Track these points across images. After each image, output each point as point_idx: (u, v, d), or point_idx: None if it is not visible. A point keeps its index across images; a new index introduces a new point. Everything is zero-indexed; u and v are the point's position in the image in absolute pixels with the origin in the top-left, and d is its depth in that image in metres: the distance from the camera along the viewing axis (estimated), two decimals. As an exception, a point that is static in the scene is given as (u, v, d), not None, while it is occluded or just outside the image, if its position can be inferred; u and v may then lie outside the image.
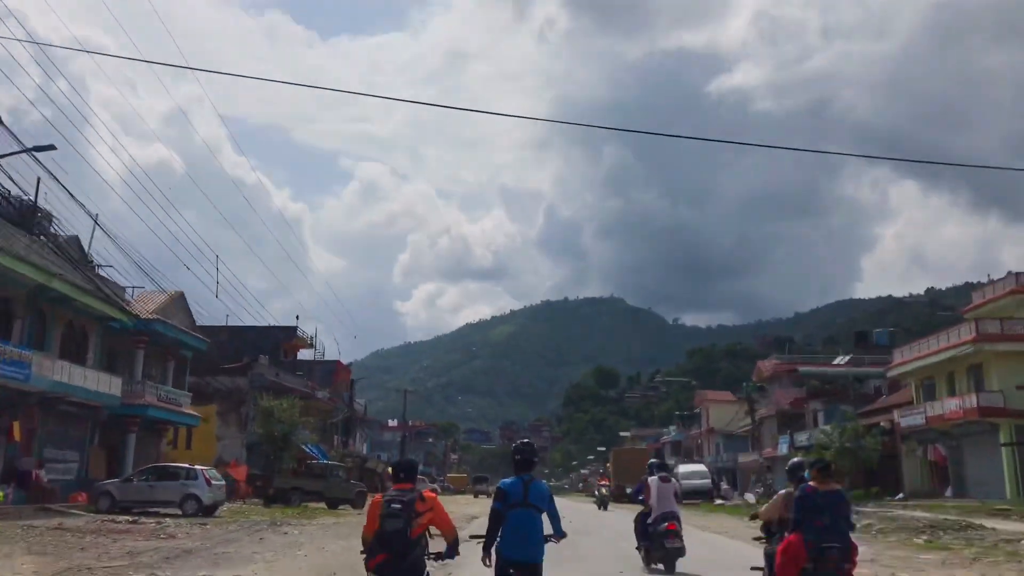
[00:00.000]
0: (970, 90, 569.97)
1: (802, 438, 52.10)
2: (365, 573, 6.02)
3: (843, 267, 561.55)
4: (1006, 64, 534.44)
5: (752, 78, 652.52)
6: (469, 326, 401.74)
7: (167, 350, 35.45)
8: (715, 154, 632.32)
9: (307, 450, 44.15)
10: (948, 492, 37.84)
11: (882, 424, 41.98)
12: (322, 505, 34.64)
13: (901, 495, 39.68)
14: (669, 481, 13.58)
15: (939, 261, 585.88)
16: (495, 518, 6.68)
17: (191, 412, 36.40)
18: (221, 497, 27.02)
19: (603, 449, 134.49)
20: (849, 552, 7.26)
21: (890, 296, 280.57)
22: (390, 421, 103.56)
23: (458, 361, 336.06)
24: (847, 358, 59.09)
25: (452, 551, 6.24)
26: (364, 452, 67.00)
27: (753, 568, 9.54)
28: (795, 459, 9.13)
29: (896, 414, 40.72)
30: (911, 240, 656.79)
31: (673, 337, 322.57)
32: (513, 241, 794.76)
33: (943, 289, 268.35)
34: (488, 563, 6.64)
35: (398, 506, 5.74)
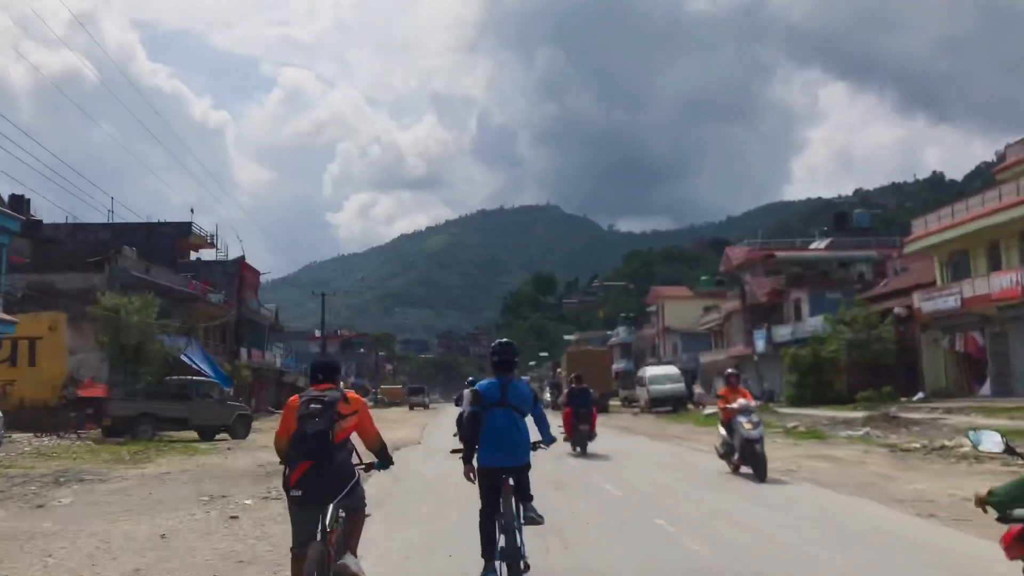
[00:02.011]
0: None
1: (784, 332, 44.25)
2: None
3: (773, 170, 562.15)
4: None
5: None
6: (404, 237, 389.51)
7: (-38, 231, 24.83)
8: (650, 57, 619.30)
9: (190, 363, 34.26)
10: (985, 390, 30.18)
11: (897, 311, 33.93)
12: (190, 435, 25.16)
13: (921, 394, 31.96)
14: None
15: (866, 163, 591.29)
16: (473, 422, 6.00)
17: (3, 317, 26.01)
18: (-8, 435, 17.26)
19: (545, 355, 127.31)
20: (590, 414, 17.56)
21: (820, 198, 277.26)
22: (317, 332, 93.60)
23: (394, 272, 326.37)
24: (826, 241, 51.00)
25: (385, 460, 5.49)
26: (279, 365, 57.16)
27: (559, 425, 16.41)
28: (574, 375, 21.36)
29: (916, 297, 32.62)
30: (839, 142, 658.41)
31: (609, 243, 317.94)
32: (446, 149, 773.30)
33: (871, 190, 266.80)
34: (472, 477, 5.97)
35: (318, 406, 4.92)
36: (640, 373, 42.08)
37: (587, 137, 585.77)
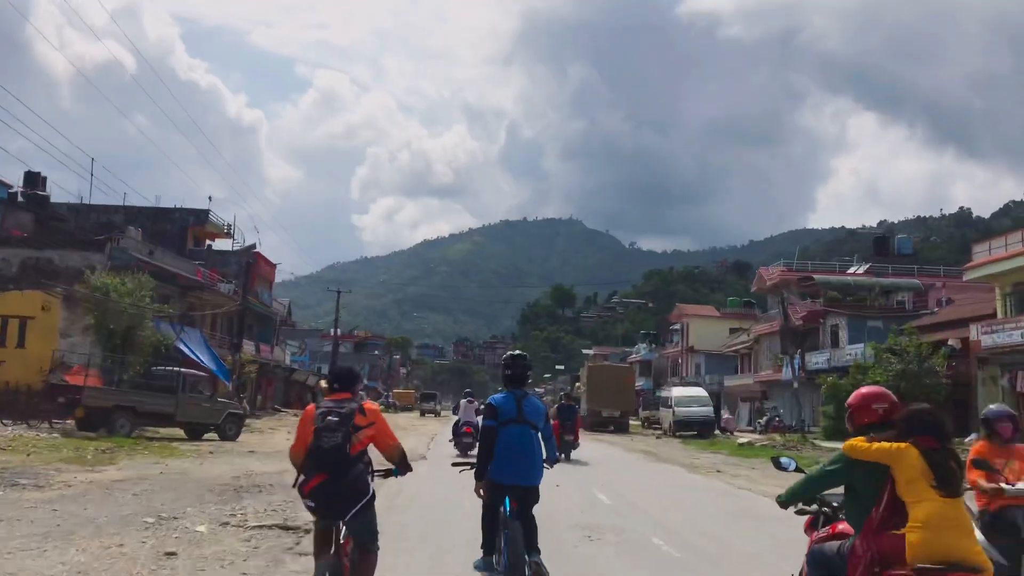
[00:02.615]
0: (939, 24, 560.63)
1: (819, 359, 41.21)
2: None
3: (798, 197, 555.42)
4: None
5: (722, 2, 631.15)
6: (427, 243, 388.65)
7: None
8: (681, 79, 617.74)
9: (189, 353, 31.79)
10: (1048, 434, 27.05)
11: (951, 343, 30.92)
12: (175, 433, 22.65)
13: (974, 436, 28.84)
14: (472, 403, 21.14)
15: (892, 195, 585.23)
16: (488, 437, 5.68)
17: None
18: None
19: (561, 368, 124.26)
20: (575, 426, 20.87)
21: (843, 227, 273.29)
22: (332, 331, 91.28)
23: (415, 277, 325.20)
24: (865, 266, 47.92)
25: (403, 467, 5.16)
26: (289, 361, 54.69)
27: None
28: (563, 392, 35.28)
29: (976, 329, 29.62)
30: (866, 173, 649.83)
31: (630, 260, 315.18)
32: (474, 158, 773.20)
33: (896, 222, 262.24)
34: (483, 494, 5.76)
35: (335, 419, 4.73)
36: (664, 393, 39.24)
37: (614, 155, 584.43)
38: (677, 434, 35.66)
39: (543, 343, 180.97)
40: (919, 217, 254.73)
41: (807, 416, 42.19)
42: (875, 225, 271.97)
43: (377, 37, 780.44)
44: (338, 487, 4.62)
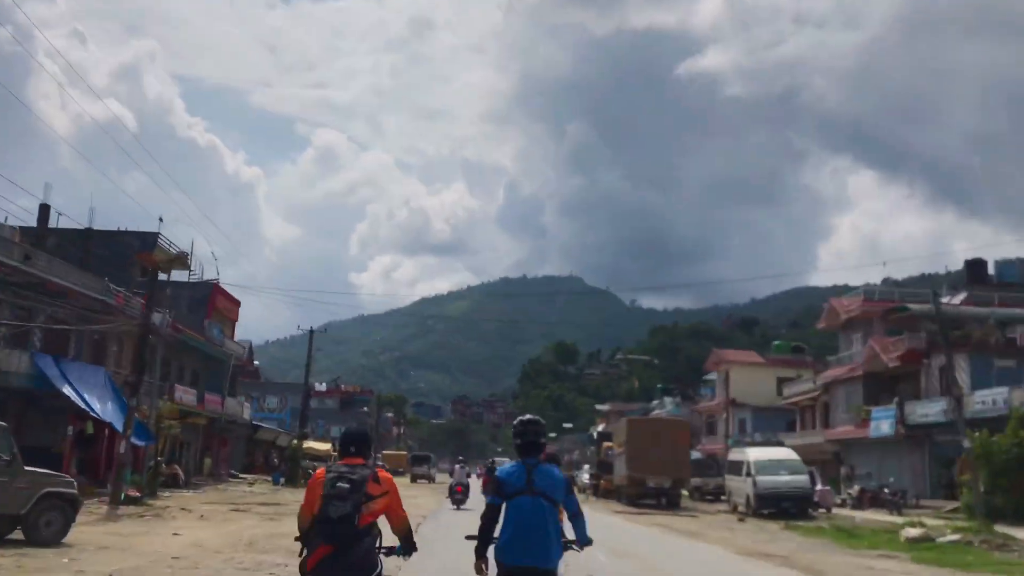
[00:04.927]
0: (937, 84, 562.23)
1: (928, 411, 31.24)
2: None
3: (800, 255, 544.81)
4: (974, 59, 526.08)
5: (722, 62, 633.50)
6: (425, 300, 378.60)
7: None
8: (680, 137, 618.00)
9: (75, 397, 21.69)
10: None
11: None
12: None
13: None
14: (464, 468, 26.47)
15: (894, 253, 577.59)
16: (489, 515, 4.72)
17: None
18: None
19: (569, 426, 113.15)
20: None
21: (846, 285, 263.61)
22: (317, 385, 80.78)
23: (413, 335, 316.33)
24: (960, 296, 38.14)
25: (409, 546, 4.66)
26: (248, 416, 44.18)
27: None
28: (491, 460, 38.17)
29: None
30: (868, 231, 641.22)
31: (631, 318, 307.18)
32: (473, 216, 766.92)
33: (900, 279, 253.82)
34: (485, 569, 4.73)
35: (346, 485, 4.23)
36: (737, 456, 29.01)
37: (613, 212, 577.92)
38: (760, 511, 25.45)
39: (545, 401, 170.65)
40: (924, 275, 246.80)
41: (907, 483, 32.13)
42: (879, 283, 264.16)
43: (376, 96, 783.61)
44: (345, 561, 4.14)
